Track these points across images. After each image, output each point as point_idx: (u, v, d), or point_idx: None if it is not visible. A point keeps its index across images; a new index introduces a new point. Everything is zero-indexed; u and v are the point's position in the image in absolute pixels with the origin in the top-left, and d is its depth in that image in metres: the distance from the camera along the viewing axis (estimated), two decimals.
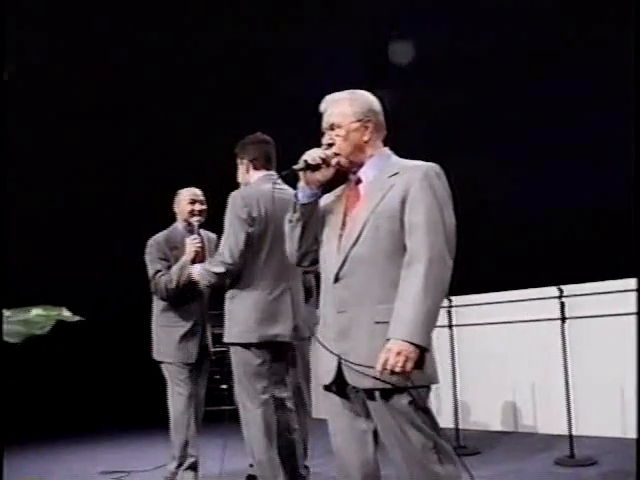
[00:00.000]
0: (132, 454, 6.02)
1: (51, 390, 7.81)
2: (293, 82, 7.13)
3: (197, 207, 4.24)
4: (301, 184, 2.37)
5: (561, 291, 4.64)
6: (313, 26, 7.13)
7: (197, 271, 3.90)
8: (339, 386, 2.30)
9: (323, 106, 2.42)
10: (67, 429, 7.25)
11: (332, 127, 2.37)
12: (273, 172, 3.57)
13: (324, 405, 2.41)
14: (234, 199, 3.46)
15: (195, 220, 4.20)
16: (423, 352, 2.14)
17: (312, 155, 2.34)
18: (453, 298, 5.35)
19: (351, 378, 2.24)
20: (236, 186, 3.72)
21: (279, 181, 3.17)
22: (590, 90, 5.67)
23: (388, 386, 2.17)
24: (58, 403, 7.69)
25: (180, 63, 7.56)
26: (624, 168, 4.40)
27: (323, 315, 2.36)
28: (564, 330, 4.63)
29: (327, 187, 2.47)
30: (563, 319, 4.63)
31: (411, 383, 2.15)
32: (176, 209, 4.32)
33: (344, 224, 2.34)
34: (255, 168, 3.59)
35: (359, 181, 2.39)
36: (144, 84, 7.44)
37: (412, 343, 2.10)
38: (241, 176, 3.66)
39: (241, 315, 3.40)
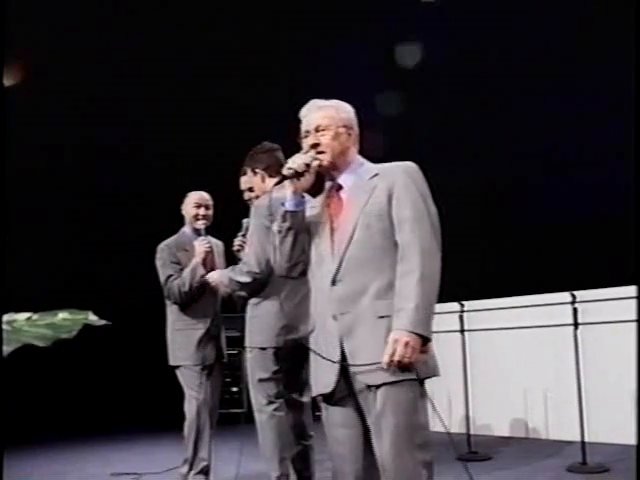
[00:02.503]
0: (144, 457, 6.02)
1: (65, 393, 7.83)
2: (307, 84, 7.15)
3: (202, 211, 4.26)
4: (288, 192, 2.41)
5: (574, 297, 4.63)
6: (327, 31, 7.13)
7: (215, 278, 3.92)
8: (339, 393, 2.31)
9: (305, 111, 2.48)
10: (81, 431, 7.30)
11: (317, 129, 2.41)
12: None
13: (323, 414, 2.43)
14: (258, 209, 3.46)
15: (201, 225, 4.23)
16: (426, 342, 2.21)
17: (297, 162, 2.38)
18: (465, 303, 5.34)
19: (361, 376, 2.24)
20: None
21: None
22: (609, 92, 5.65)
23: (398, 379, 2.19)
24: (72, 406, 7.71)
25: (189, 67, 7.58)
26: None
27: (319, 320, 2.37)
28: (577, 336, 4.61)
29: (311, 194, 2.54)
30: (576, 325, 4.61)
31: (417, 375, 2.21)
32: (184, 212, 4.35)
33: (332, 230, 2.37)
34: (270, 176, 3.61)
35: (339, 188, 2.43)
36: (158, 88, 7.47)
37: (416, 334, 2.16)
38: (257, 186, 3.67)
39: (266, 321, 3.42)
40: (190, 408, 4.12)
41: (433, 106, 6.76)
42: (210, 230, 4.31)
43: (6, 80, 6.92)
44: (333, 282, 2.31)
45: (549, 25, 6.09)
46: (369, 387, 2.24)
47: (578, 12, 5.83)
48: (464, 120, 6.63)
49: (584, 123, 5.89)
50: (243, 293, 3.73)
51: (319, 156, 2.39)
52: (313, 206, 2.49)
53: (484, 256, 6.32)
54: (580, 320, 4.62)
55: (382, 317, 2.24)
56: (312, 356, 2.41)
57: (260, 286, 3.46)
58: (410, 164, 2.39)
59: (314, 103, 2.49)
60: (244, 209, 3.74)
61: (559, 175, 6.10)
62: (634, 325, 4.83)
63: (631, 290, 4.86)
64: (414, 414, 2.23)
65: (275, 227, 2.45)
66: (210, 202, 4.32)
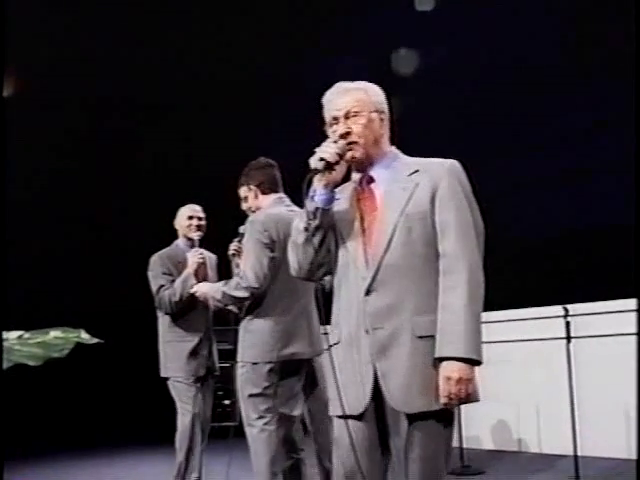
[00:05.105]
0: (137, 470, 6.00)
1: (55, 406, 7.78)
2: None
3: (195, 222, 4.30)
4: (319, 187, 2.12)
5: (566, 310, 4.63)
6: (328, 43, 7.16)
7: (203, 290, 3.87)
8: (367, 415, 2.08)
9: (330, 96, 2.22)
10: (72, 444, 7.22)
11: (347, 115, 2.15)
12: (282, 194, 3.61)
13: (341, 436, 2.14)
14: (253, 224, 3.47)
15: (195, 235, 4.25)
16: (478, 365, 2.03)
17: (328, 152, 2.10)
18: None
19: (395, 401, 2.04)
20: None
21: (290, 203, 3.24)
22: (599, 106, 5.69)
23: (435, 408, 2.02)
24: (63, 419, 7.66)
25: (184, 79, 7.58)
26: (632, 186, 4.41)
27: (346, 332, 2.11)
28: (569, 349, 4.61)
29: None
30: (568, 338, 4.61)
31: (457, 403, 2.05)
32: (176, 226, 4.39)
33: (364, 230, 2.13)
34: (263, 193, 3.61)
35: (370, 180, 2.19)
36: (149, 102, 7.47)
37: (467, 360, 1.99)
38: (251, 202, 3.68)
39: (259, 335, 3.41)
40: (183, 421, 4.10)
41: (425, 114, 6.78)
42: (203, 243, 4.32)
43: (5, 89, 6.90)
44: (367, 292, 2.07)
45: (544, 37, 6.12)
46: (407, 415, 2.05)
47: (577, 23, 5.87)
48: (453, 132, 6.64)
49: (575, 137, 5.93)
50: (232, 308, 3.73)
51: (351, 146, 2.12)
52: (338, 198, 2.19)
53: None
54: (573, 334, 4.62)
55: (421, 337, 2.03)
56: (336, 370, 2.15)
57: (257, 301, 3.46)
58: (455, 163, 2.16)
59: (340, 86, 2.22)
60: (238, 222, 3.74)
61: (550, 188, 6.12)
62: (627, 338, 4.84)
63: (623, 303, 4.88)
64: (446, 446, 2.08)
65: (301, 224, 2.14)
66: (202, 214, 4.37)
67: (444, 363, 2.00)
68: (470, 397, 2.03)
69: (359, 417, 2.09)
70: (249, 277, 3.40)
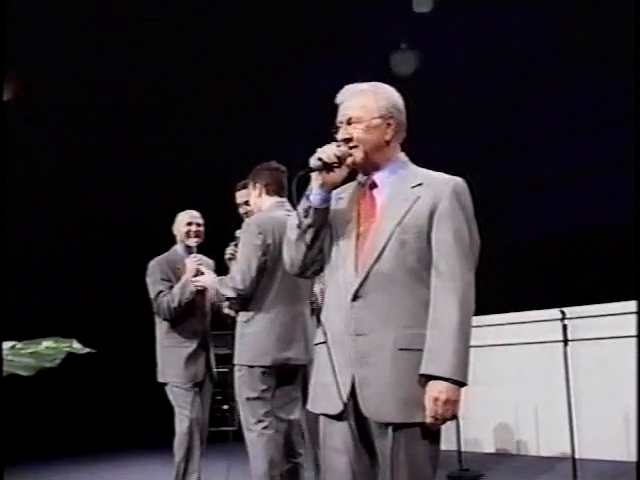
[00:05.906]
0: (135, 475, 6.00)
1: (54, 411, 7.76)
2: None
3: (193, 228, 4.31)
4: (314, 186, 2.13)
5: (563, 313, 4.62)
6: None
7: (204, 281, 3.90)
8: (346, 416, 2.07)
9: (341, 97, 2.20)
10: (70, 450, 7.20)
11: (350, 121, 2.15)
12: (285, 199, 3.62)
13: (327, 438, 2.16)
14: (249, 226, 3.50)
15: (194, 242, 4.26)
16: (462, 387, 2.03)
17: (327, 153, 2.11)
18: None
19: (368, 410, 2.03)
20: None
21: (290, 208, 3.25)
22: (594, 107, 5.69)
23: (413, 420, 2.01)
24: (62, 424, 7.64)
25: (185, 80, 7.57)
26: (630, 190, 4.41)
27: (330, 333, 2.11)
28: (566, 352, 4.61)
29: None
30: (565, 341, 4.61)
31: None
32: (175, 231, 4.40)
33: (359, 234, 2.13)
34: (267, 193, 3.63)
35: (373, 186, 2.18)
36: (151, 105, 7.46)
37: (454, 381, 1.99)
38: (253, 200, 3.69)
39: (255, 339, 3.42)
40: (181, 426, 4.10)
41: (425, 114, 6.76)
42: (201, 248, 4.33)
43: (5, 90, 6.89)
44: (354, 298, 2.06)
45: (544, 37, 6.11)
46: (382, 424, 2.04)
47: (577, 23, 5.86)
48: (448, 135, 6.64)
49: (574, 137, 5.93)
50: (228, 311, 3.75)
51: (352, 151, 2.12)
52: (340, 197, 2.20)
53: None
54: (570, 337, 4.61)
55: (403, 349, 2.02)
56: (317, 368, 2.18)
57: (244, 302, 3.47)
58: (460, 182, 2.13)
59: (349, 88, 2.20)
60: (235, 227, 3.75)
61: (546, 191, 6.13)
62: (623, 341, 4.85)
63: (619, 306, 4.88)
64: (433, 450, 2.06)
65: (295, 220, 2.17)
66: (201, 220, 4.38)
67: (431, 382, 2.00)
68: (454, 417, 2.04)
69: (339, 418, 2.08)
70: (236, 278, 3.44)
